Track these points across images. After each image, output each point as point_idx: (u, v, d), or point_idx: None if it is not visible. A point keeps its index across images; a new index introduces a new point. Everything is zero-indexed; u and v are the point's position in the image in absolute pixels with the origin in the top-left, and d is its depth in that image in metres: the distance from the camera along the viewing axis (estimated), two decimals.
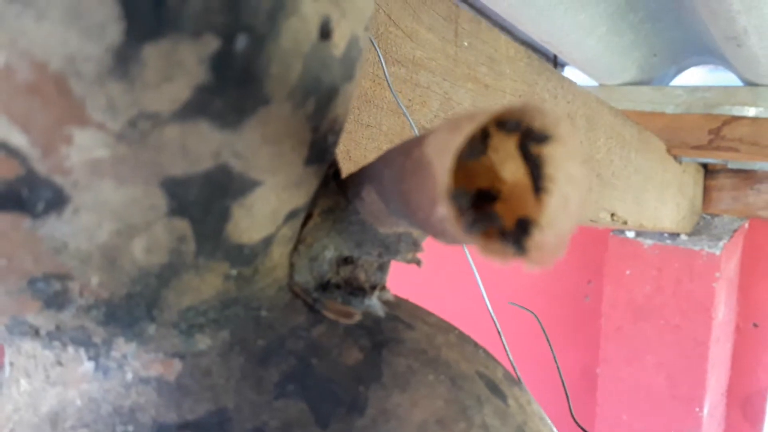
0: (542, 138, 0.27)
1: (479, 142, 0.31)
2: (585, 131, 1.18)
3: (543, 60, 1.02)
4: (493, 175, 0.33)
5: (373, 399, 0.33)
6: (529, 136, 0.28)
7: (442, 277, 2.14)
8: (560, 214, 0.25)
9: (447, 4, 0.76)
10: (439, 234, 0.31)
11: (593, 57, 1.44)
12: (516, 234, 0.25)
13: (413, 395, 0.34)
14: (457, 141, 0.26)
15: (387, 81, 0.48)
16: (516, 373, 0.48)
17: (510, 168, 0.31)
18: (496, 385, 0.39)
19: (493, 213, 0.28)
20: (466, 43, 0.80)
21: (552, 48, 1.42)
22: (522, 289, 2.26)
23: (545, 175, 0.26)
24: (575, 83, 1.14)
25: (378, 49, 0.47)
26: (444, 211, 0.25)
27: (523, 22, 1.27)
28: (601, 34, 1.32)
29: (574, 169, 0.25)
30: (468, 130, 0.25)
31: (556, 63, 1.62)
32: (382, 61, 0.47)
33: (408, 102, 0.72)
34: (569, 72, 1.67)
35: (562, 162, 0.25)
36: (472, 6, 1.28)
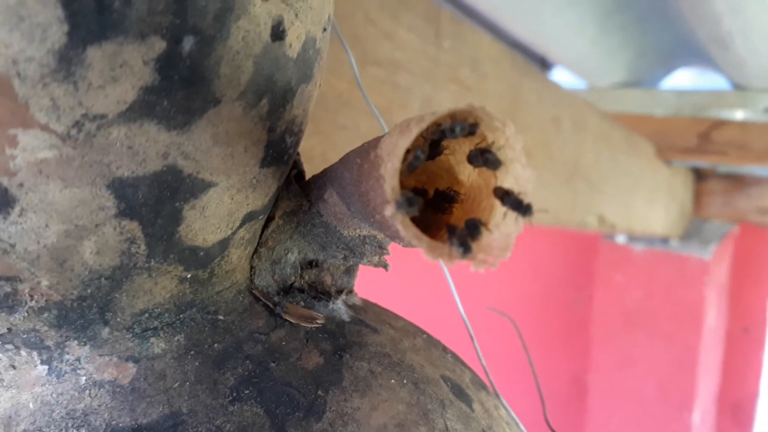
0: (489, 148, 0.27)
1: (436, 144, 0.31)
2: (572, 134, 1.18)
3: (528, 61, 1.03)
4: (452, 177, 0.33)
5: (332, 403, 0.33)
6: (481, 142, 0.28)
7: (423, 284, 2.14)
8: (507, 216, 0.25)
9: (426, 4, 0.76)
10: (393, 236, 0.31)
11: (581, 57, 1.45)
12: (464, 235, 0.25)
13: (373, 399, 0.34)
14: (405, 142, 0.26)
15: (357, 81, 0.47)
16: (489, 377, 0.48)
17: (466, 170, 0.31)
18: (462, 390, 0.39)
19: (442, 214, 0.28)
20: (447, 44, 0.80)
21: (540, 48, 1.42)
22: (511, 296, 2.26)
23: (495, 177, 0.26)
24: (561, 86, 1.14)
25: (348, 50, 0.47)
26: (392, 210, 0.25)
27: (511, 22, 1.27)
28: (588, 34, 1.32)
29: (519, 171, 0.25)
30: (416, 131, 0.25)
31: (544, 64, 1.62)
32: (353, 61, 0.47)
33: (387, 104, 0.72)
34: (558, 74, 1.67)
35: (509, 165, 0.25)
36: (457, 6, 1.28)
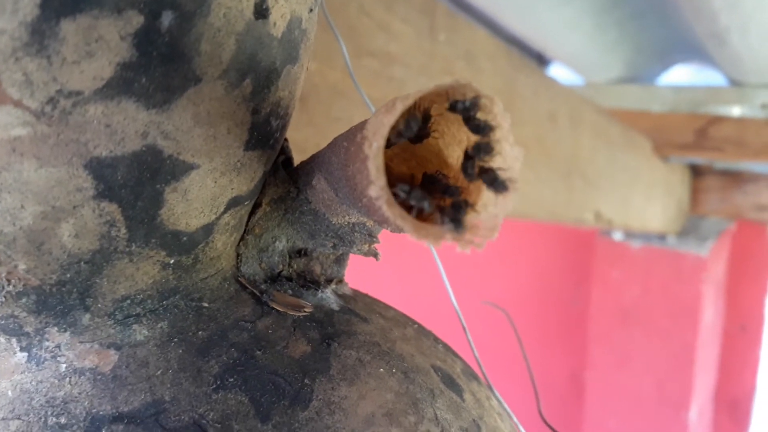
0: (481, 124, 0.26)
1: (423, 125, 0.30)
2: (568, 129, 1.17)
3: (524, 56, 1.02)
4: (441, 160, 0.32)
5: (319, 391, 0.32)
6: (469, 120, 0.27)
7: (418, 278, 2.13)
8: (494, 197, 0.24)
9: None
10: (380, 219, 0.30)
11: (578, 53, 1.44)
12: (451, 214, 0.25)
13: (361, 388, 0.33)
14: (390, 120, 0.25)
15: (350, 73, 0.47)
16: (481, 368, 0.47)
17: (455, 153, 0.30)
18: (453, 379, 0.39)
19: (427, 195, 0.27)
20: (442, 37, 0.80)
21: (537, 44, 1.41)
22: (508, 292, 2.25)
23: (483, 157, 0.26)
24: (557, 81, 1.14)
25: (341, 40, 0.46)
26: (377, 190, 0.24)
27: (507, 16, 1.27)
28: (586, 29, 1.32)
29: (507, 150, 0.24)
30: (401, 108, 0.25)
31: (541, 59, 1.61)
32: (345, 52, 0.47)
33: (382, 96, 0.71)
34: (555, 69, 1.66)
35: (498, 144, 0.25)
36: (454, 0, 1.27)
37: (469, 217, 0.24)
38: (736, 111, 1.46)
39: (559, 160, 1.15)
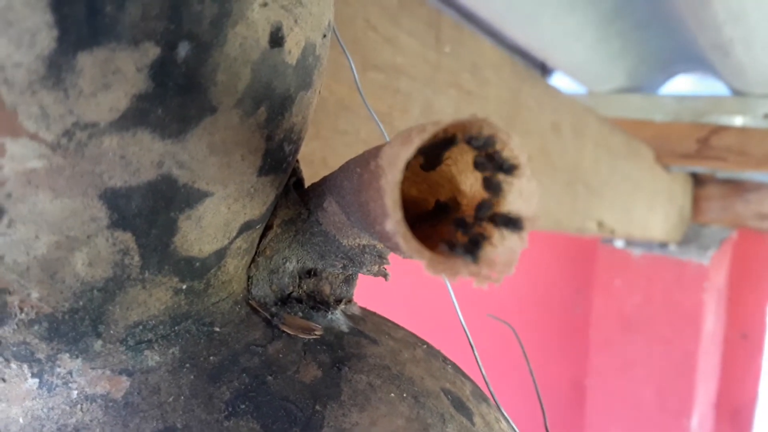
0: (501, 162, 0.26)
1: (439, 153, 0.30)
2: (572, 139, 1.17)
3: (528, 67, 1.02)
4: (455, 187, 0.32)
5: (330, 418, 0.32)
6: (485, 153, 0.27)
7: (424, 290, 2.13)
8: (511, 233, 0.24)
9: (427, 9, 0.76)
10: (393, 247, 0.30)
11: (581, 63, 1.44)
12: (467, 248, 0.25)
13: (372, 414, 0.33)
14: (406, 153, 0.25)
15: (357, 86, 0.47)
16: (489, 387, 0.47)
17: (468, 180, 0.30)
18: (463, 402, 0.38)
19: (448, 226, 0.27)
20: (447, 49, 0.80)
21: (540, 54, 1.41)
22: (510, 300, 2.25)
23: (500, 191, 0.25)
24: (561, 91, 1.14)
25: (348, 55, 0.46)
26: (393, 224, 0.24)
27: (511, 28, 1.27)
28: (589, 40, 1.32)
29: (524, 184, 0.24)
30: (418, 142, 0.25)
31: (544, 69, 1.62)
32: (352, 66, 0.47)
33: (388, 109, 0.71)
34: (558, 79, 1.67)
35: (517, 181, 0.24)
36: (458, 11, 1.27)
37: (486, 252, 0.24)
38: (738, 121, 1.46)
39: (563, 169, 1.15)
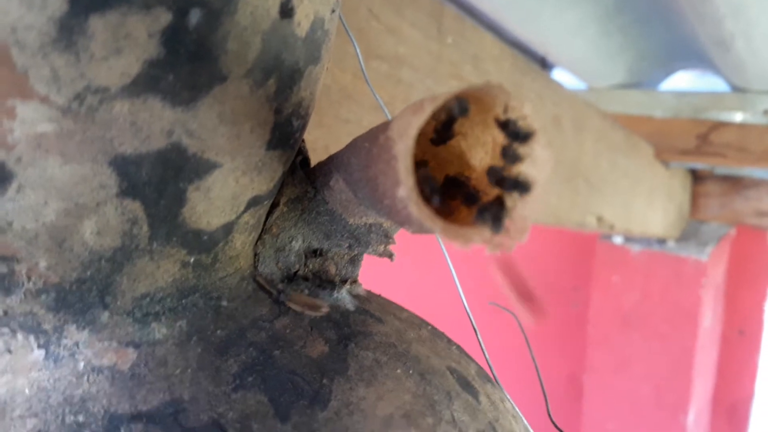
0: (516, 130, 0.26)
1: (448, 128, 0.30)
2: (572, 134, 1.17)
3: (529, 61, 1.02)
4: (464, 161, 0.32)
5: (338, 392, 0.32)
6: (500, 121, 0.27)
7: (427, 278, 2.13)
8: (523, 199, 0.24)
9: (430, 1, 0.76)
10: (404, 220, 0.30)
11: (582, 58, 1.44)
12: (480, 215, 0.25)
13: (379, 389, 0.33)
14: (419, 121, 0.25)
15: (364, 74, 0.47)
16: (492, 371, 0.47)
17: (478, 155, 0.30)
18: (468, 382, 0.38)
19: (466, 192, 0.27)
20: (450, 41, 0.80)
21: (540, 48, 1.41)
22: (509, 294, 2.25)
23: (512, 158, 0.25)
24: (562, 85, 1.14)
25: (354, 42, 0.46)
26: (406, 191, 0.24)
27: (511, 22, 1.27)
28: (589, 35, 1.32)
29: (538, 151, 0.24)
30: (429, 110, 0.25)
31: (544, 64, 1.62)
32: (359, 53, 0.46)
33: (390, 98, 0.71)
34: (558, 74, 1.67)
35: (532, 148, 0.24)
36: (459, 5, 1.27)
37: (500, 218, 0.24)
38: (738, 117, 1.47)
39: (563, 164, 1.15)
